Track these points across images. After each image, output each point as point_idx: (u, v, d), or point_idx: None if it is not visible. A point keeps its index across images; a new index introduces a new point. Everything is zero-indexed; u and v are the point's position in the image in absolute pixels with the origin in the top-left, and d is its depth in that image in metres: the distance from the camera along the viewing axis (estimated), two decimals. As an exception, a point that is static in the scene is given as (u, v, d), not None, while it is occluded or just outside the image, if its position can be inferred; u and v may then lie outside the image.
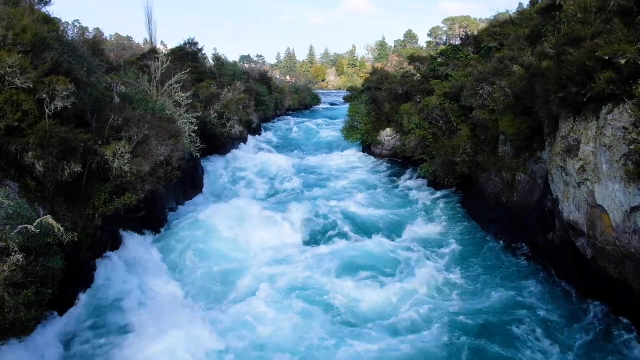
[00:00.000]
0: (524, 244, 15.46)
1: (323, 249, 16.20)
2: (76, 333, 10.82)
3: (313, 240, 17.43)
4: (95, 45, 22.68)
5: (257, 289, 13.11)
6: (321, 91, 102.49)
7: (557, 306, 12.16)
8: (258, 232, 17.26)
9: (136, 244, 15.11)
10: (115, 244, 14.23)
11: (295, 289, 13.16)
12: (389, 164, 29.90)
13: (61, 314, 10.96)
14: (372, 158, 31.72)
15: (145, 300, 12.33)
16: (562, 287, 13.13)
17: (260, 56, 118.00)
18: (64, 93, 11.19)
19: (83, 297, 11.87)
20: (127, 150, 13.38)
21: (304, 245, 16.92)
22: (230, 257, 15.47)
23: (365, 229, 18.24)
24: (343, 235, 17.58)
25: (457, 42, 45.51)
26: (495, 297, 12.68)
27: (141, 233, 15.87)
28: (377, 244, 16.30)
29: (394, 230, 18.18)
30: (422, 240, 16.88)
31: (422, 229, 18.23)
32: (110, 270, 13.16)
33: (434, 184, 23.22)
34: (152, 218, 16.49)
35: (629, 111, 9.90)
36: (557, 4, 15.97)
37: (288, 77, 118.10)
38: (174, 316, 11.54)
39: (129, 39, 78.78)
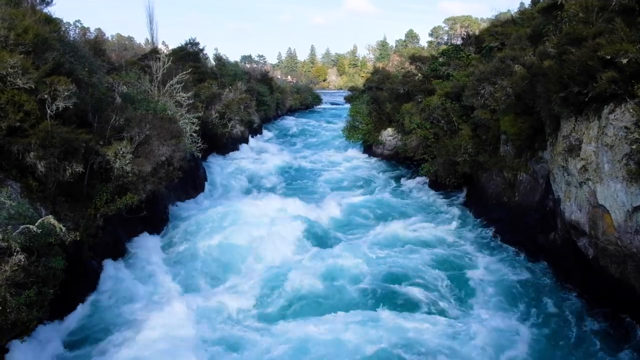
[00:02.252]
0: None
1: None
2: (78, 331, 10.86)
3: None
4: (97, 45, 22.76)
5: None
6: (322, 91, 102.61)
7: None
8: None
9: (139, 243, 15.14)
10: (117, 244, 14.24)
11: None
12: (390, 164, 29.87)
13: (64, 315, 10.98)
14: (374, 158, 31.68)
15: (146, 299, 12.34)
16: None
17: (262, 56, 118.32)
18: (66, 93, 11.22)
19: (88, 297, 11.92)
20: (128, 151, 13.38)
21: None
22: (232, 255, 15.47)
23: (363, 230, 18.15)
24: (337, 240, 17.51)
25: (459, 41, 45.47)
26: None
27: (143, 233, 15.87)
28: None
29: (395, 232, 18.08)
30: (422, 240, 16.81)
31: (422, 228, 18.15)
32: (114, 272, 13.20)
33: (435, 184, 23.17)
34: (154, 218, 16.50)
35: (631, 111, 9.88)
36: (559, 3, 15.94)
37: (289, 77, 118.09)
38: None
39: (130, 39, 78.72)
